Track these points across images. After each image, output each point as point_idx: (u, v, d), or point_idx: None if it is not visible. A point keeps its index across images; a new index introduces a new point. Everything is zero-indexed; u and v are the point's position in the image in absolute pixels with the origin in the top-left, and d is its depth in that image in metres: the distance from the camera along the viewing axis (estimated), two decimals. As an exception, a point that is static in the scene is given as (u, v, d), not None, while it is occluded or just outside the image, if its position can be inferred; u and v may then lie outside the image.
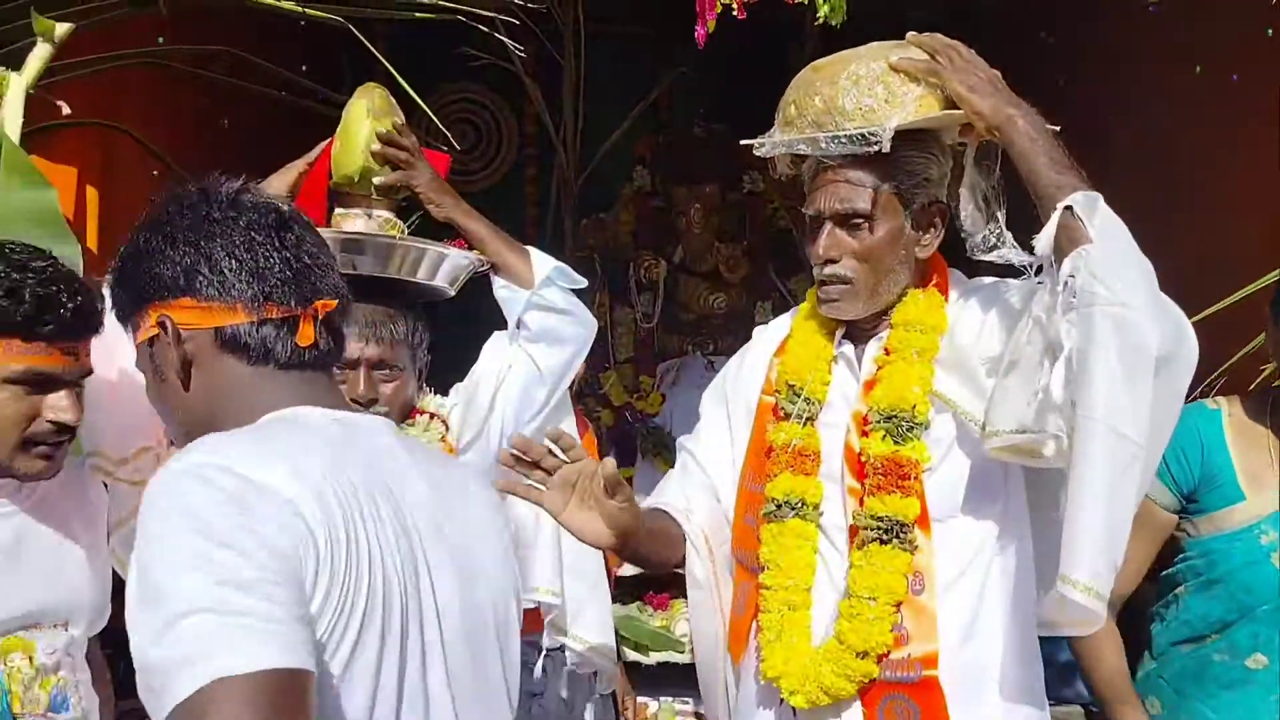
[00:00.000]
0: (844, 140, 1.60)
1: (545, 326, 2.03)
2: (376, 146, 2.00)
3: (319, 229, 2.02)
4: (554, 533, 2.11)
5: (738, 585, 1.76)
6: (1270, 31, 3.00)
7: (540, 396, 2.05)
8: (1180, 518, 1.87)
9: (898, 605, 1.57)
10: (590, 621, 2.17)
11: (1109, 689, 1.93)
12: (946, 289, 1.71)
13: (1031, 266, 1.55)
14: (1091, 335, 1.38)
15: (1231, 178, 3.06)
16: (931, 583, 1.59)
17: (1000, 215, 1.64)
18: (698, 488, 1.85)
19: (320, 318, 1.22)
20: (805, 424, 1.69)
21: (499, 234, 2.08)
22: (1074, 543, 1.43)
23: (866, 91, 1.60)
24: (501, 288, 2.06)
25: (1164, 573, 1.92)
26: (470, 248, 2.08)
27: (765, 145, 1.72)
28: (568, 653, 2.21)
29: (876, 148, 1.59)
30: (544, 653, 2.34)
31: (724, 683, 1.81)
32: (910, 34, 1.63)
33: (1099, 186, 1.51)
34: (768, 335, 1.87)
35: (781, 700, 1.64)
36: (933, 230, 1.69)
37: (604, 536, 1.62)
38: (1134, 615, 2.06)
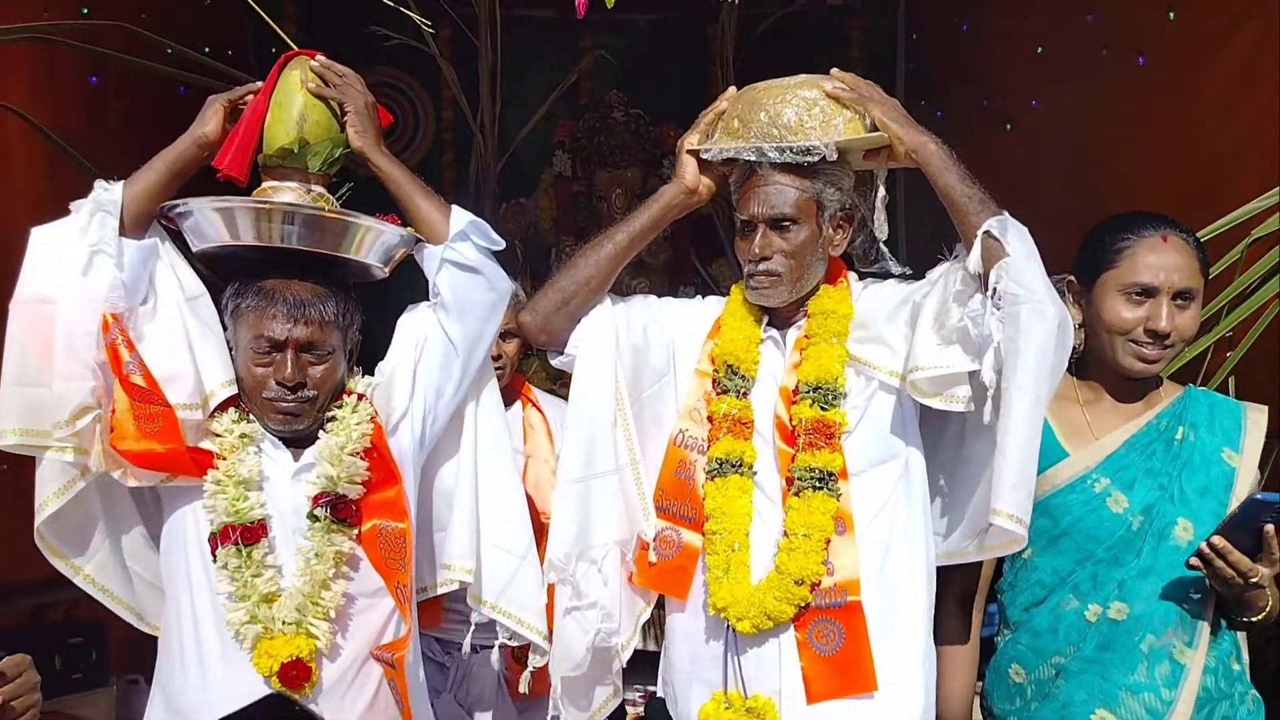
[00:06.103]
0: (789, 151, 1.89)
1: (456, 288, 1.96)
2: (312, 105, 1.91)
3: (245, 198, 1.89)
4: (471, 506, 2.03)
5: (665, 532, 1.98)
6: (1173, 15, 3.07)
7: (456, 371, 2.00)
8: None
9: (827, 542, 1.87)
10: (516, 597, 2.04)
11: (952, 704, 2.03)
12: (849, 283, 2.02)
13: (904, 275, 1.98)
14: (1019, 326, 1.74)
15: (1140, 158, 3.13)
16: (851, 524, 1.89)
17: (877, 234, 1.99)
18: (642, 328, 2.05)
19: None
20: (741, 397, 1.96)
21: (416, 180, 2.01)
22: (1002, 484, 1.76)
23: (806, 112, 1.91)
24: (422, 249, 2.00)
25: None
26: (402, 224, 1.98)
27: (713, 150, 1.97)
28: (498, 627, 2.07)
29: (817, 159, 1.89)
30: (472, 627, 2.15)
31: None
32: (834, 70, 1.95)
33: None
34: (703, 315, 2.10)
35: (728, 628, 1.89)
36: (841, 232, 1.99)
37: None
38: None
